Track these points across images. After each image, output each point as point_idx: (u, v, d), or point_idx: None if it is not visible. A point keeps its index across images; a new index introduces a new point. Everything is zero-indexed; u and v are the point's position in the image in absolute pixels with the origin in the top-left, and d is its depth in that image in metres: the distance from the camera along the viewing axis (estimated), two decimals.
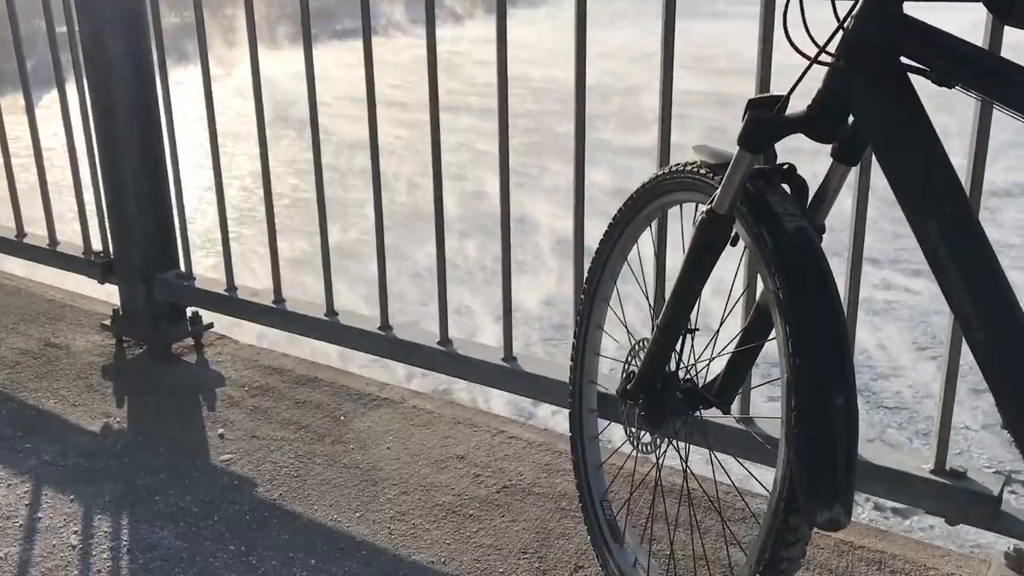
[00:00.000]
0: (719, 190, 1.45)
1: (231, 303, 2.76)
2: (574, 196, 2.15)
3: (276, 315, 2.67)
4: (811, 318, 1.35)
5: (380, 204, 2.45)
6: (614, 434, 2.18)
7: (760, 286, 1.66)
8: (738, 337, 1.64)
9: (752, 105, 1.42)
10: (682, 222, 1.76)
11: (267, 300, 2.69)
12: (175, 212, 2.88)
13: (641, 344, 1.75)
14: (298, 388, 2.69)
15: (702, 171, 1.59)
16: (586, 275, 1.95)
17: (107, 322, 2.99)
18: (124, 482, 2.26)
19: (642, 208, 1.80)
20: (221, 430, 2.48)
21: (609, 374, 2.07)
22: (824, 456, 1.32)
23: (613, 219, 1.86)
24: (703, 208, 1.49)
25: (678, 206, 1.74)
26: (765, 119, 1.39)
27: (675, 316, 1.57)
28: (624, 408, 1.75)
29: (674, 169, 1.67)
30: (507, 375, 2.27)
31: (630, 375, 1.69)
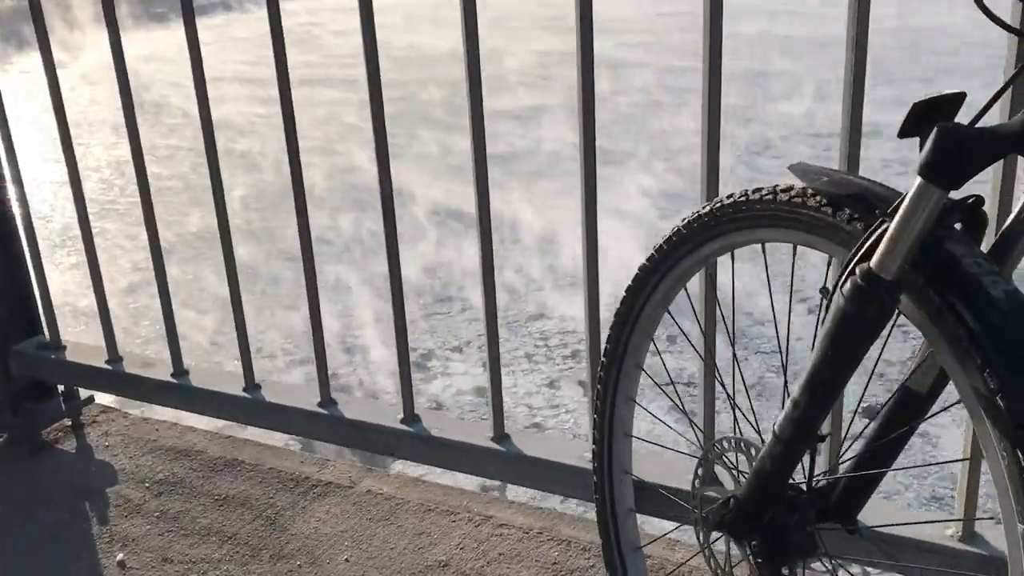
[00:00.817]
0: (883, 243, 0.95)
1: (115, 379, 2.14)
2: (584, 227, 1.63)
3: (178, 392, 2.07)
4: None
5: (312, 262, 1.86)
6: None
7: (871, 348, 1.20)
8: (874, 432, 1.16)
9: (919, 110, 0.93)
10: (765, 261, 1.27)
11: (164, 374, 2.09)
12: (28, 256, 2.25)
13: (722, 446, 1.26)
14: (215, 477, 2.11)
15: (812, 202, 1.10)
16: (608, 331, 1.45)
17: None
18: None
19: (699, 246, 1.30)
20: (121, 555, 1.89)
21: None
22: None
23: (648, 259, 1.36)
24: (854, 268, 0.99)
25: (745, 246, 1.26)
26: (966, 136, 0.89)
27: (807, 421, 1.08)
28: (705, 537, 1.26)
29: (759, 197, 1.17)
30: (500, 461, 1.74)
31: (728, 501, 1.19)
